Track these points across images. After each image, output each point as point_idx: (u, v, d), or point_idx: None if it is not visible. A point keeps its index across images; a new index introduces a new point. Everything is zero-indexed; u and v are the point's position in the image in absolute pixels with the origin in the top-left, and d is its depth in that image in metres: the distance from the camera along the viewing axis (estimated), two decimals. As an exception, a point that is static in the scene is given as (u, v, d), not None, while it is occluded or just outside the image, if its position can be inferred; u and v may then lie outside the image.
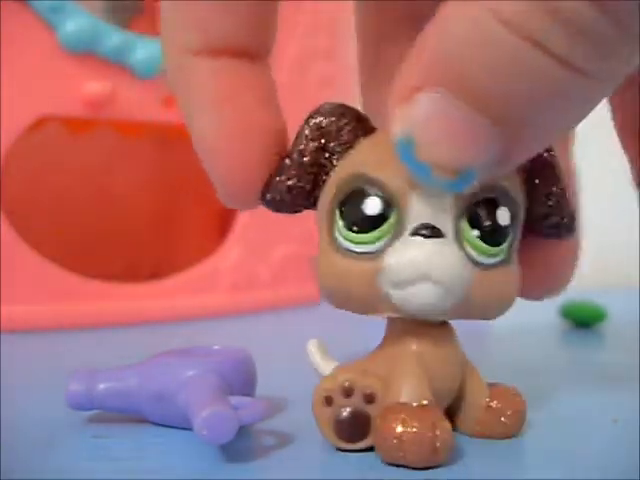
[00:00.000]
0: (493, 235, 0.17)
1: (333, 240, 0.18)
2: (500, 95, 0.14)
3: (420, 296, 0.17)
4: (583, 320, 0.37)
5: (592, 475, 0.17)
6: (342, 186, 0.18)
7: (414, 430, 0.16)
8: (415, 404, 0.17)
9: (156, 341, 0.33)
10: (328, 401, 0.18)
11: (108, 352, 0.31)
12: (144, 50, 0.37)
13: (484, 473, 0.17)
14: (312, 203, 0.18)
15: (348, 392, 0.18)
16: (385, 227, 0.17)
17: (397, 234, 0.17)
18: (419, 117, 0.15)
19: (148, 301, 0.39)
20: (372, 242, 0.17)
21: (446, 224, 0.17)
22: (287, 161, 0.18)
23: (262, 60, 0.18)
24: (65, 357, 0.30)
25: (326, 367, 0.20)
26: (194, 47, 0.17)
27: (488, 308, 0.18)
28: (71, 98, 0.36)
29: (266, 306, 0.42)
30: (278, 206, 0.18)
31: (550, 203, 0.18)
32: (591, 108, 0.15)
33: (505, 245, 0.18)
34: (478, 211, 0.17)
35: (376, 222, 0.17)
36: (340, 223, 0.18)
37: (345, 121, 0.18)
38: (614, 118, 0.21)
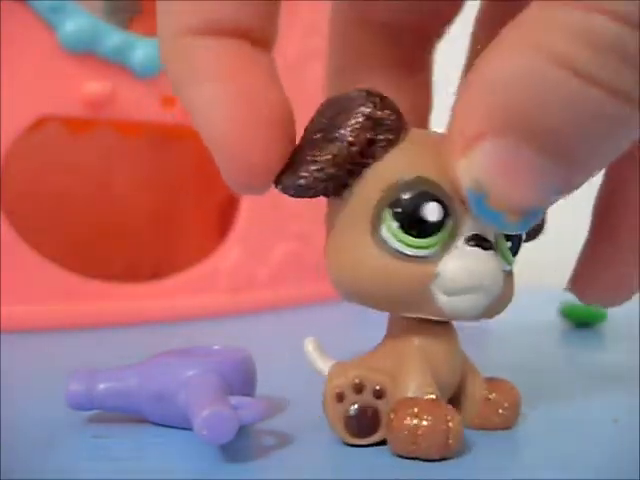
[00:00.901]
0: (519, 246, 0.18)
1: (380, 240, 0.17)
2: (560, 133, 0.14)
3: (470, 304, 0.17)
4: (583, 320, 0.37)
5: (592, 475, 0.17)
6: (397, 186, 0.17)
7: (428, 423, 0.17)
8: (426, 398, 0.18)
9: (156, 341, 0.33)
10: (339, 397, 0.18)
11: (108, 352, 0.31)
12: (144, 50, 0.37)
13: (483, 474, 0.17)
14: (338, 192, 0.18)
15: (359, 388, 0.18)
16: (442, 234, 0.17)
17: (450, 242, 0.17)
18: (487, 166, 0.15)
19: (148, 301, 0.39)
20: (428, 247, 0.17)
21: (491, 236, 0.18)
22: (333, 148, 0.17)
23: (265, 47, 0.17)
24: (65, 357, 0.30)
25: (324, 365, 0.20)
26: (194, 27, 0.16)
27: (499, 310, 0.19)
28: (71, 98, 0.36)
29: (266, 306, 0.42)
30: (300, 192, 0.17)
31: None
32: None
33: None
34: None
35: (434, 228, 0.17)
36: (394, 224, 0.17)
37: (394, 116, 0.17)
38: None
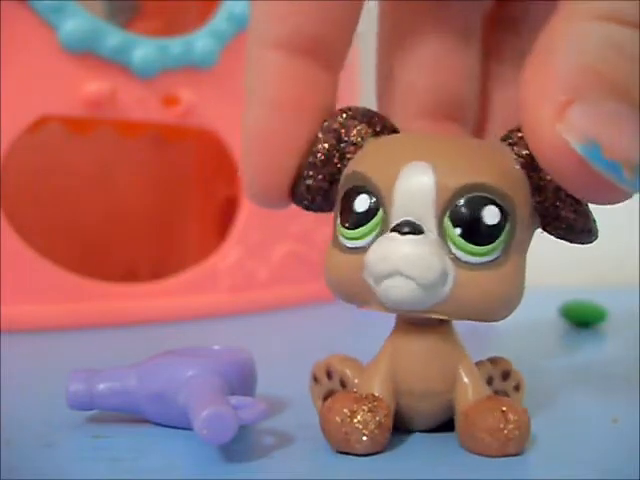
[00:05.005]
0: (477, 234, 0.17)
1: (335, 237, 0.18)
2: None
3: (393, 291, 0.17)
4: (583, 320, 0.37)
5: (592, 475, 0.17)
6: (342, 185, 0.18)
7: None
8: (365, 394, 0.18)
9: (156, 341, 0.33)
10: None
11: (108, 352, 0.31)
12: (144, 50, 0.37)
13: (481, 473, 0.17)
14: (333, 204, 0.19)
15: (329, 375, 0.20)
16: (372, 224, 0.18)
17: (383, 231, 0.17)
18: (593, 120, 0.15)
19: (148, 301, 0.39)
20: (361, 238, 0.18)
21: (429, 221, 0.17)
22: (307, 162, 0.19)
23: (333, 70, 0.19)
24: (65, 357, 0.30)
25: None
26: (274, 40, 0.18)
27: (476, 309, 0.18)
28: (71, 98, 0.36)
29: (266, 306, 0.42)
30: (305, 206, 0.19)
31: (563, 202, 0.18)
32: None
33: (495, 244, 0.17)
34: (461, 209, 0.17)
35: (364, 219, 0.18)
36: (337, 220, 0.18)
37: (355, 122, 0.19)
38: None
